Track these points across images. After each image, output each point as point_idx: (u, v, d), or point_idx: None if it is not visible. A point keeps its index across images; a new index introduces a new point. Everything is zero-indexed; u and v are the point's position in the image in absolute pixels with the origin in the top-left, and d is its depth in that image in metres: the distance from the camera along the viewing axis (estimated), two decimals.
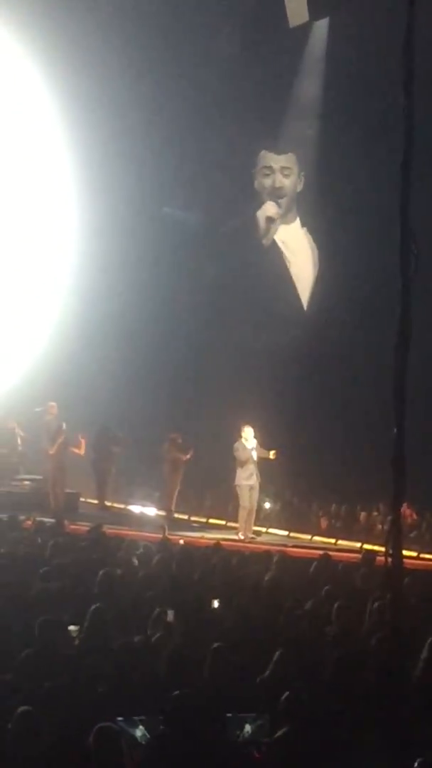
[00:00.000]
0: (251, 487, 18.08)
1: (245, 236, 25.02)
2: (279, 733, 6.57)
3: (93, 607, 8.61)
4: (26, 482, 20.61)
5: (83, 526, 16.22)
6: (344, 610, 9.43)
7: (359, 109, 22.42)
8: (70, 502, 19.91)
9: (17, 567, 11.14)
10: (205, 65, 23.37)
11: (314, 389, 23.33)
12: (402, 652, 5.86)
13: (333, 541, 18.69)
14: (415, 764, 5.81)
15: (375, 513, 20.06)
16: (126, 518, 19.58)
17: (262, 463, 18.14)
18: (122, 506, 21.09)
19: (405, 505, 6.03)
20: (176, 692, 6.61)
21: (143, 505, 20.94)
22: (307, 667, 7.76)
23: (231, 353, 23.36)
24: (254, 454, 17.92)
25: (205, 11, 22.89)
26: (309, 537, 19.32)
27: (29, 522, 15.68)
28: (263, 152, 24.88)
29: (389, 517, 5.85)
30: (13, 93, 22.94)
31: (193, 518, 20.55)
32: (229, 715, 6.73)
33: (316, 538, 19.21)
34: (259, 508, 19.25)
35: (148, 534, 16.45)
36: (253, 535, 18.20)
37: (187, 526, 19.54)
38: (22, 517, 15.62)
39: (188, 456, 19.82)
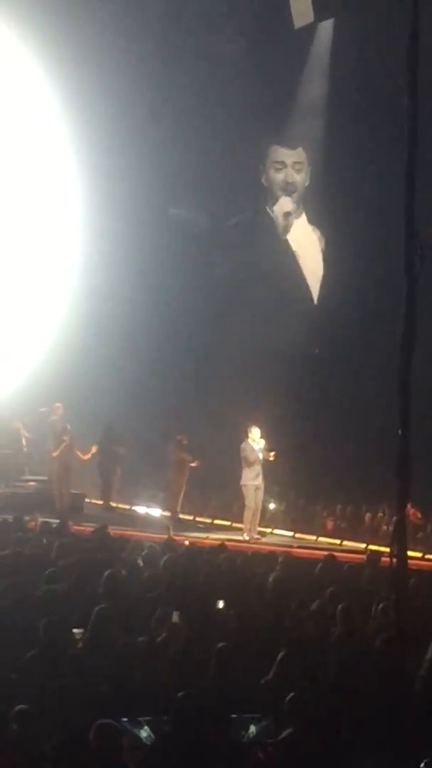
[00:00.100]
0: (257, 488, 18.09)
1: (251, 233, 25.02)
2: (284, 734, 6.57)
3: (97, 608, 8.61)
4: (31, 483, 20.62)
5: (88, 527, 16.22)
6: (349, 611, 9.42)
7: (364, 109, 22.43)
8: (75, 502, 19.92)
9: (23, 568, 11.14)
10: (210, 65, 23.39)
11: (319, 390, 23.32)
12: (407, 652, 5.85)
13: (338, 541, 18.67)
14: (421, 765, 5.81)
15: (380, 514, 20.03)
16: (131, 519, 19.58)
17: (265, 464, 18.15)
18: (127, 507, 21.10)
19: (410, 505, 6.02)
20: (181, 693, 6.61)
21: (148, 506, 20.94)
22: (312, 668, 7.75)
23: (235, 354, 23.34)
24: (260, 455, 17.94)
25: (211, 11, 22.90)
26: (314, 538, 19.30)
27: (33, 523, 15.68)
28: (274, 147, 24.93)
29: (394, 518, 5.84)
30: (17, 94, 22.95)
31: (198, 519, 20.55)
32: (234, 715, 6.72)
33: (321, 539, 19.19)
34: (264, 508, 19.25)
35: (153, 535, 16.45)
36: (258, 536, 18.20)
37: (192, 526, 19.53)
38: (27, 518, 15.63)
39: (195, 464, 19.83)
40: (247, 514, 18.12)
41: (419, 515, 18.26)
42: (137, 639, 8.35)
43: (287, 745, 6.48)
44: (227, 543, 14.93)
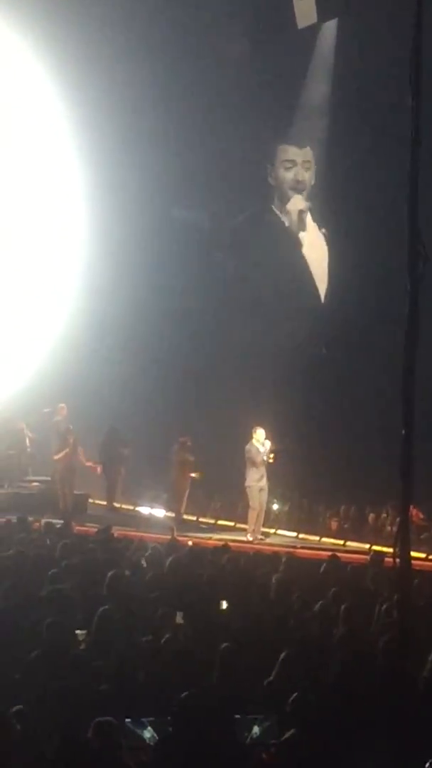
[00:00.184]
0: (261, 489, 18.10)
1: (257, 232, 25.00)
2: (287, 734, 6.57)
3: (101, 609, 8.61)
4: (35, 483, 20.63)
5: (92, 528, 16.23)
6: (351, 611, 9.41)
7: (367, 109, 22.42)
8: (79, 503, 19.93)
9: (26, 568, 11.15)
10: (213, 65, 23.38)
11: (322, 390, 23.30)
12: (410, 653, 5.84)
13: (342, 542, 18.66)
14: (426, 766, 5.80)
15: (384, 514, 20.01)
16: (135, 519, 19.59)
17: (267, 466, 18.16)
18: (131, 507, 21.10)
19: (412, 506, 6.01)
20: (184, 693, 6.62)
21: (152, 507, 20.94)
22: (315, 669, 7.75)
23: (239, 355, 23.34)
24: (265, 457, 17.94)
25: (214, 12, 22.90)
26: (318, 538, 19.29)
27: (37, 523, 15.69)
28: (283, 146, 24.97)
29: (398, 519, 5.83)
30: (21, 94, 22.96)
31: (201, 519, 20.54)
32: (237, 716, 6.72)
33: (325, 540, 19.18)
34: (268, 509, 19.24)
35: (156, 535, 16.45)
36: (261, 537, 18.19)
37: (196, 527, 19.53)
38: (30, 519, 15.64)
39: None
40: (252, 515, 18.13)
41: (421, 516, 18.23)
42: (141, 639, 8.36)
43: (290, 746, 6.48)
44: (231, 544, 14.93)
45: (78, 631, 8.63)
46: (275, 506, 20.80)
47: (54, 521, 16.09)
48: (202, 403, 22.65)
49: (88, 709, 6.44)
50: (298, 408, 22.39)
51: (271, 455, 17.97)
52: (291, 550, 15.78)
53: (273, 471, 18.34)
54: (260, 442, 18.01)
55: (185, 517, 20.08)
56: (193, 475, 19.89)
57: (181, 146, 23.31)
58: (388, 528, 18.99)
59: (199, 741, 6.37)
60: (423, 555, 16.47)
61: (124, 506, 21.04)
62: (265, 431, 18.20)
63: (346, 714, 6.90)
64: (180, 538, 15.75)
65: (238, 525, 19.35)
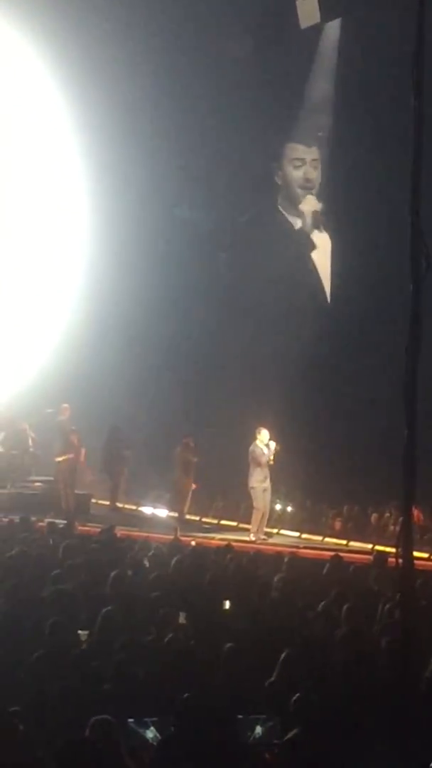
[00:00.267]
0: (265, 489, 18.08)
1: (261, 232, 25.00)
2: (290, 734, 6.57)
3: (104, 610, 8.61)
4: (38, 483, 20.63)
5: (95, 528, 16.23)
6: (354, 611, 9.41)
7: (371, 108, 22.42)
8: (82, 503, 19.93)
9: (29, 568, 11.16)
10: (216, 65, 23.38)
11: (325, 391, 23.29)
12: (413, 653, 5.85)
13: (344, 542, 18.65)
14: (431, 766, 5.80)
15: (387, 514, 20.00)
16: (137, 520, 19.59)
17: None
18: (134, 507, 21.10)
19: (413, 507, 6.01)
20: (186, 693, 6.62)
21: (155, 507, 20.94)
22: (317, 669, 7.75)
23: (242, 355, 23.33)
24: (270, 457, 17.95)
25: (218, 11, 22.90)
26: (320, 538, 19.27)
27: (41, 523, 15.70)
28: (291, 144, 24.98)
29: (401, 519, 5.84)
30: (23, 93, 22.97)
31: (204, 519, 20.54)
32: (240, 716, 6.73)
33: (328, 540, 19.16)
34: (271, 509, 19.23)
35: (159, 535, 16.45)
36: (264, 537, 18.18)
37: (199, 527, 19.53)
38: (33, 519, 15.64)
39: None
40: (256, 516, 18.09)
41: (421, 517, 18.19)
42: (143, 639, 8.36)
43: (293, 746, 6.48)
44: (234, 544, 14.93)
45: (80, 632, 8.63)
46: (278, 506, 20.80)
47: (57, 521, 16.10)
48: (205, 403, 22.65)
49: (90, 709, 6.44)
50: (301, 408, 22.38)
51: (272, 457, 17.94)
52: (294, 550, 15.78)
53: (276, 471, 18.32)
54: (264, 443, 17.98)
55: (188, 517, 20.07)
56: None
57: (183, 145, 23.32)
58: (391, 528, 18.96)
59: (202, 741, 6.37)
60: (426, 555, 16.45)
61: (126, 506, 21.04)
62: (269, 431, 18.16)
63: (348, 714, 6.90)
64: (183, 538, 15.75)
65: (241, 525, 19.34)
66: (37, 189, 23.08)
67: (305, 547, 17.29)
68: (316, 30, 22.84)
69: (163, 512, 20.66)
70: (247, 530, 18.35)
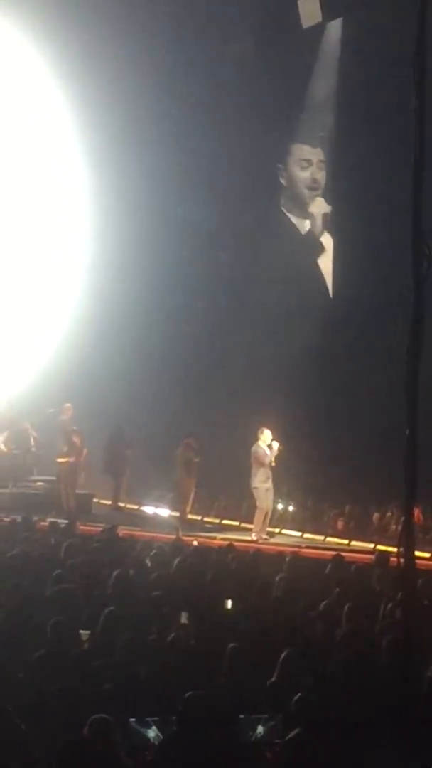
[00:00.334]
0: (267, 489, 18.08)
1: (264, 233, 25.00)
2: (291, 734, 6.57)
3: (107, 610, 8.62)
4: (40, 483, 20.64)
5: (97, 527, 16.23)
6: (355, 611, 9.41)
7: (373, 108, 22.42)
8: (84, 503, 19.93)
9: (31, 568, 11.16)
10: (218, 65, 23.39)
11: (327, 390, 23.29)
12: (413, 652, 5.86)
13: (346, 542, 18.64)
14: None
15: (389, 514, 20.00)
16: (139, 519, 19.59)
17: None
18: (135, 507, 21.10)
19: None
20: (189, 693, 6.63)
21: (156, 506, 20.94)
22: (318, 669, 7.75)
23: (243, 355, 23.33)
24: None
25: (219, 13, 22.91)
26: (322, 538, 19.27)
27: (43, 523, 15.70)
28: (297, 145, 24.97)
29: (402, 518, 5.85)
30: (25, 92, 22.96)
31: (206, 519, 20.55)
32: (242, 716, 6.73)
33: (330, 539, 19.15)
34: (273, 509, 19.23)
35: (161, 535, 16.46)
36: (266, 536, 18.18)
37: (201, 527, 19.53)
38: (35, 518, 15.65)
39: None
40: (259, 515, 18.07)
41: (421, 517, 18.17)
42: (145, 639, 8.36)
43: (294, 745, 6.48)
44: (235, 543, 14.93)
45: (82, 631, 8.64)
46: (280, 506, 20.80)
47: (59, 521, 16.09)
48: (207, 402, 22.65)
49: (92, 708, 6.45)
50: (303, 408, 22.37)
51: (273, 458, 17.92)
52: (295, 549, 15.79)
53: (278, 470, 18.31)
54: (267, 443, 17.96)
55: (190, 516, 20.07)
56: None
57: (185, 145, 23.31)
58: (393, 528, 18.96)
59: (204, 740, 6.38)
60: (427, 555, 16.44)
61: (128, 506, 21.04)
62: (270, 431, 18.15)
63: (350, 714, 6.90)
64: (185, 538, 15.75)
65: (243, 524, 19.34)
66: (38, 188, 23.08)
67: (307, 547, 17.29)
68: (319, 30, 22.89)
69: (165, 512, 20.67)
70: (249, 530, 18.35)
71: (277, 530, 19.43)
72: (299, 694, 6.77)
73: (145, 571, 11.52)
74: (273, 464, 17.91)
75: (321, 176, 25.08)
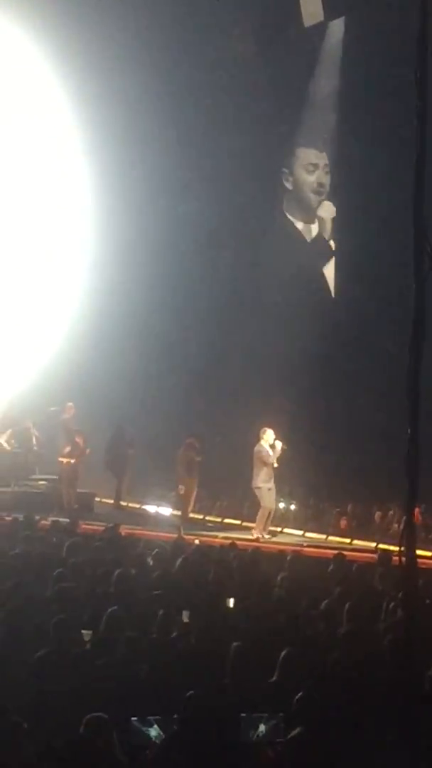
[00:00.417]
0: (270, 489, 18.09)
1: (263, 233, 25.00)
2: (293, 733, 6.58)
3: (109, 610, 8.62)
4: (41, 482, 20.64)
5: (98, 526, 16.24)
6: (357, 610, 9.41)
7: (375, 107, 22.41)
8: (85, 501, 19.94)
9: (33, 567, 11.17)
10: (220, 65, 23.38)
11: (328, 390, 23.30)
12: (415, 651, 5.86)
13: (348, 540, 18.65)
14: None
15: (391, 513, 20.00)
16: (141, 518, 19.59)
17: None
18: (137, 506, 21.11)
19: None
20: (191, 692, 6.63)
21: (158, 505, 20.95)
22: (320, 668, 7.76)
23: (245, 354, 23.34)
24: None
25: (220, 12, 22.89)
26: (324, 537, 19.27)
27: (45, 522, 15.71)
28: (301, 149, 24.98)
29: (404, 518, 5.86)
30: (26, 91, 22.97)
31: (208, 518, 20.55)
32: (243, 715, 6.74)
33: (331, 538, 19.16)
34: (275, 508, 19.24)
35: (162, 534, 16.46)
36: (268, 535, 18.18)
37: (202, 526, 19.53)
38: (37, 517, 15.65)
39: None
40: (263, 514, 18.07)
41: (420, 518, 18.17)
42: (147, 638, 8.37)
43: (296, 744, 6.49)
44: (237, 542, 14.93)
45: (84, 631, 8.64)
46: (281, 504, 20.80)
47: (61, 520, 16.10)
48: (209, 401, 22.66)
49: (93, 708, 6.45)
50: (305, 407, 22.38)
51: (275, 458, 17.90)
52: (297, 548, 15.78)
53: (279, 469, 18.31)
54: (269, 443, 17.95)
55: (192, 515, 20.08)
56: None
57: (187, 145, 23.31)
58: (395, 526, 18.96)
59: (205, 740, 6.38)
60: (429, 554, 16.43)
61: (130, 505, 21.05)
62: (272, 430, 18.14)
63: (352, 713, 6.91)
64: (187, 537, 15.76)
65: (245, 523, 19.34)
66: (40, 187, 23.09)
67: (309, 546, 17.30)
68: (320, 29, 22.93)
69: (166, 511, 20.67)
70: (251, 529, 18.35)
71: (279, 529, 19.44)
72: (301, 693, 6.77)
73: (146, 570, 11.53)
74: (276, 465, 17.91)
75: (326, 180, 25.09)
